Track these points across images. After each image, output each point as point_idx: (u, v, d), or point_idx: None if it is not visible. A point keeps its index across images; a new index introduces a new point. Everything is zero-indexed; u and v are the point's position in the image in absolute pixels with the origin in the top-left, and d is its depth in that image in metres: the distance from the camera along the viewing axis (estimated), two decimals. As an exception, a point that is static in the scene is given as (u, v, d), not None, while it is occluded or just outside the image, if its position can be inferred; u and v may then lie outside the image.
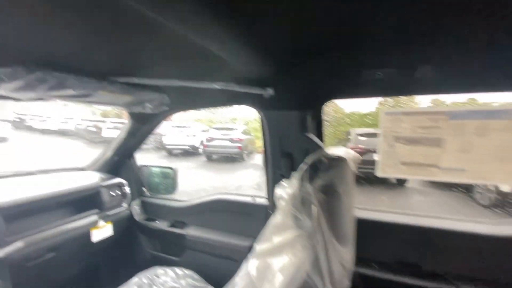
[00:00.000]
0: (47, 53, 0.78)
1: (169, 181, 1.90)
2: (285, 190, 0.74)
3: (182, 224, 1.69)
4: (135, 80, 1.04)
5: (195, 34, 0.66)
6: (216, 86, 1.01)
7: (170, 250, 1.70)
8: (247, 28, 0.68)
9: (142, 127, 1.60)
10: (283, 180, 0.86)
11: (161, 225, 1.73)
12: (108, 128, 11.22)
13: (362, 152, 6.82)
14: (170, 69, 1.02)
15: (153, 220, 1.80)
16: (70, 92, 0.95)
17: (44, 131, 13.54)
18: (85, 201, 1.55)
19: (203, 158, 10.31)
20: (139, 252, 1.80)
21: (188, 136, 10.55)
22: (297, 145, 1.16)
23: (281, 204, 0.71)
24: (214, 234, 1.56)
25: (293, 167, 1.20)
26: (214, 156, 10.08)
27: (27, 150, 9.86)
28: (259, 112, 1.23)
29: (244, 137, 10.13)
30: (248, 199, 1.54)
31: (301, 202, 0.66)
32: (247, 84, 1.02)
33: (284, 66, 0.97)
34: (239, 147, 9.80)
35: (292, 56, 0.92)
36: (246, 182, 7.22)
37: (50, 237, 1.32)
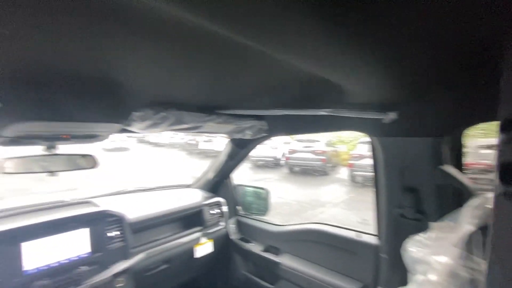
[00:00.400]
0: (169, 96, 0.86)
1: (261, 201, 1.90)
2: (433, 256, 0.54)
3: (276, 250, 1.62)
4: (239, 111, 1.05)
5: (309, 64, 0.58)
6: (323, 112, 0.90)
7: (265, 276, 1.66)
8: (372, 50, 0.55)
9: (240, 151, 1.66)
10: (418, 234, 0.66)
11: (255, 247, 1.72)
12: (204, 141, 12.81)
13: (486, 170, 5.33)
14: (272, 99, 0.98)
15: (247, 240, 1.81)
16: (185, 126, 1.03)
17: (157, 144, 16.67)
18: (190, 218, 1.69)
19: (284, 170, 10.34)
20: (234, 272, 1.84)
21: (271, 148, 10.84)
22: (426, 180, 0.91)
23: (431, 278, 0.52)
24: (311, 268, 1.42)
25: (418, 207, 0.96)
26: (296, 169, 9.94)
27: (141, 157, 12.43)
28: (371, 138, 1.05)
29: (327, 149, 9.63)
30: (351, 234, 1.34)
31: (470, 285, 0.46)
32: (362, 109, 0.87)
33: (416, 86, 0.77)
34: (323, 160, 9.35)
35: (428, 74, 0.72)
36: (332, 199, 6.74)
37: (164, 250, 1.48)
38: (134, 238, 1.38)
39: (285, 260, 1.53)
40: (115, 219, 1.31)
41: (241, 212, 1.98)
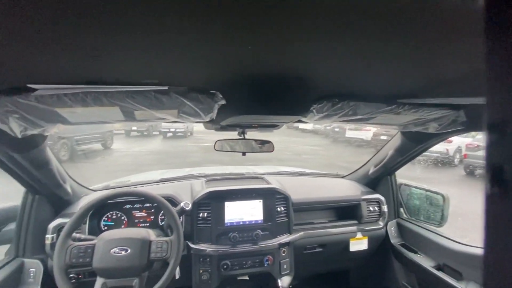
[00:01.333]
0: (347, 87, 0.82)
1: (434, 209, 1.56)
2: None
3: (456, 274, 1.29)
4: (428, 100, 0.87)
5: None
6: None
7: None
8: None
9: (414, 146, 1.40)
10: None
11: (422, 260, 1.45)
12: (350, 129, 12.17)
13: None
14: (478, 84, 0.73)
15: (412, 249, 1.55)
16: (357, 117, 0.98)
17: (303, 130, 17.63)
18: (346, 210, 1.66)
19: (459, 171, 7.96)
20: (391, 279, 1.65)
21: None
22: None
23: None
24: None
25: None
26: (479, 171, 7.36)
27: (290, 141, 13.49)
28: None
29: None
30: None
31: None
32: None
33: None
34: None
35: None
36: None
37: (320, 235, 1.56)
38: (294, 217, 1.53)
39: None
40: (282, 197, 1.50)
41: (404, 216, 1.72)
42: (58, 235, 1.19)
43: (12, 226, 1.25)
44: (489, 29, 0.20)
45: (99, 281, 1.00)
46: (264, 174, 1.86)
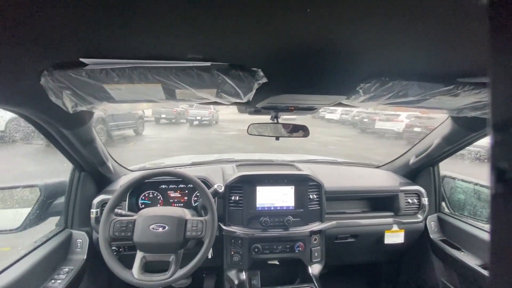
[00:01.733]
0: (399, 64, 0.74)
1: (483, 204, 1.43)
2: None
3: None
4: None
5: None
6: None
7: None
8: None
9: (466, 134, 1.27)
10: None
11: (466, 258, 1.34)
12: (380, 120, 11.55)
13: None
14: None
15: (454, 246, 1.45)
16: (408, 99, 0.90)
17: (329, 120, 17.12)
18: (382, 201, 1.58)
19: None
20: (428, 275, 1.56)
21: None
22: None
23: None
24: None
25: None
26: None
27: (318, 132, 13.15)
28: None
29: None
30: None
31: None
32: None
33: None
34: None
35: None
36: None
37: (353, 225, 1.50)
38: (326, 205, 1.49)
39: None
40: (315, 184, 1.46)
41: (447, 210, 1.60)
42: (101, 210, 1.27)
43: (61, 199, 1.36)
44: (493, 28, 0.19)
45: (139, 255, 1.05)
46: (294, 161, 1.83)
